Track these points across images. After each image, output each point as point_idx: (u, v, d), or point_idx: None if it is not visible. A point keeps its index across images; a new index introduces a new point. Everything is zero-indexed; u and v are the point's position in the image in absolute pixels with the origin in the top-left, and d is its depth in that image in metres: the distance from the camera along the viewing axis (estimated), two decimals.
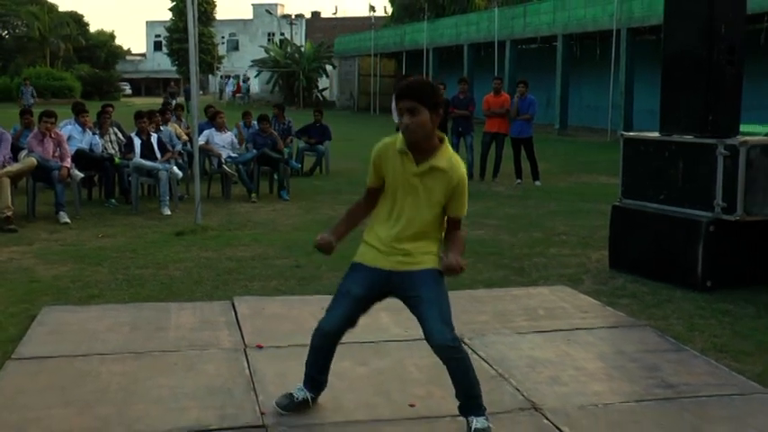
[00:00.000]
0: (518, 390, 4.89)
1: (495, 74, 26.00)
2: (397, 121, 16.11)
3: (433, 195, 4.18)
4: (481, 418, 4.24)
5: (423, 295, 4.19)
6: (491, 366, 5.28)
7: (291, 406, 4.52)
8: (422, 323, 4.21)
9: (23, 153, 11.14)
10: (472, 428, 4.20)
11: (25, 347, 5.51)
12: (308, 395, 4.56)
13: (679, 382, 5.05)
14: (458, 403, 4.34)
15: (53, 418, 4.34)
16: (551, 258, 8.80)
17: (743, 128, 7.84)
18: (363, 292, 4.36)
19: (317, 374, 4.59)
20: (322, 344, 4.52)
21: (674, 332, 6.14)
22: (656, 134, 8.04)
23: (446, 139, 4.29)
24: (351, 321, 4.46)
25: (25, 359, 5.30)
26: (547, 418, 4.48)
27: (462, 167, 4.23)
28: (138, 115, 12.71)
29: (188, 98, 29.11)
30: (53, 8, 77.08)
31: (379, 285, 4.34)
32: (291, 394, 4.56)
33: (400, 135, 4.19)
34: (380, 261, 4.30)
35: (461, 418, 4.44)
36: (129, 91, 78.33)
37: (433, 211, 4.22)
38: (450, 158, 4.19)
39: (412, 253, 4.23)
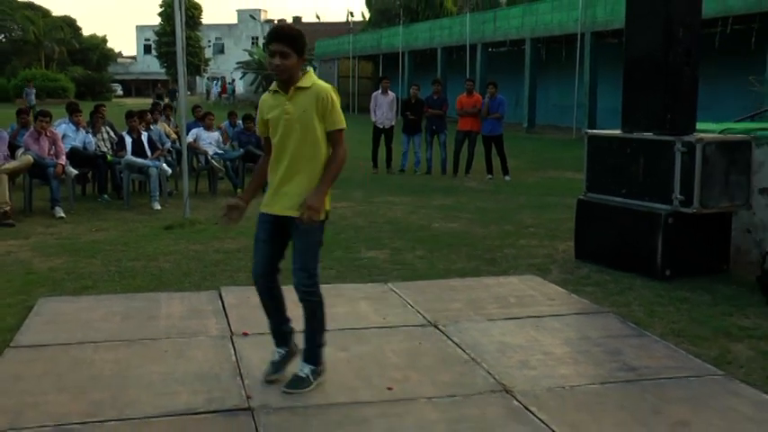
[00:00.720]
0: (490, 373, 4.89)
1: (467, 76, 26.04)
2: (374, 119, 16.06)
3: (306, 116, 4.37)
4: (308, 368, 4.57)
5: (295, 243, 4.49)
6: (464, 351, 5.28)
7: (274, 370, 4.69)
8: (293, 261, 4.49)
9: (20, 151, 11.06)
10: (297, 372, 4.56)
11: (23, 336, 5.47)
12: (281, 352, 4.72)
13: (640, 366, 5.07)
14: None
15: (49, 404, 4.31)
16: (521, 249, 8.82)
17: (699, 126, 7.88)
18: (267, 236, 4.57)
19: (277, 325, 4.75)
20: (260, 289, 4.67)
21: (636, 318, 6.17)
22: (618, 132, 8.07)
23: (310, 69, 4.60)
24: (272, 262, 4.62)
25: (23, 347, 5.26)
26: (517, 400, 4.49)
27: (326, 85, 4.46)
28: (129, 115, 12.66)
29: (172, 99, 28.98)
30: (47, 13, 76.63)
31: (276, 227, 4.53)
32: (270, 361, 4.73)
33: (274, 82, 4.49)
34: (271, 206, 4.51)
35: (437, 400, 4.48)
36: (120, 92, 77.98)
37: (307, 132, 4.38)
38: (313, 80, 4.45)
39: (291, 196, 4.41)
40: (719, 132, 7.83)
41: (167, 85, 44.07)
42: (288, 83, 4.41)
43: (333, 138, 4.47)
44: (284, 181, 4.45)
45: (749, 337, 5.75)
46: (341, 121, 4.46)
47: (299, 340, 4.71)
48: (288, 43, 4.34)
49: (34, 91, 38.56)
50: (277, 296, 4.70)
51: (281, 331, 4.75)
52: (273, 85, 4.53)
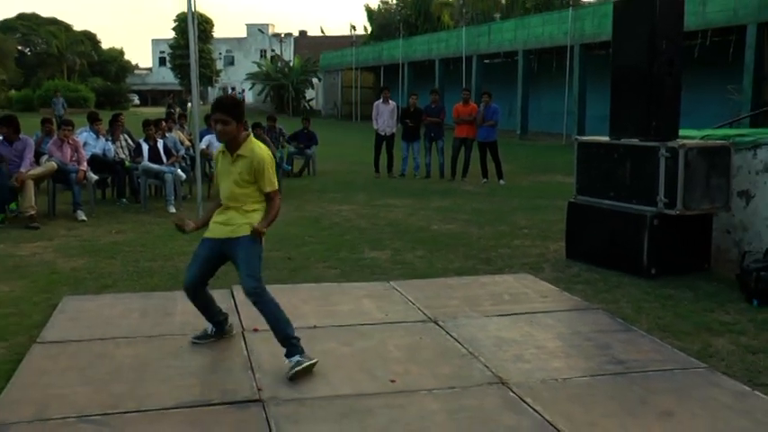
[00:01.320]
0: (487, 366, 4.90)
1: (464, 85, 26.06)
2: (375, 127, 16.08)
3: (241, 175, 4.86)
4: (295, 357, 4.75)
5: (239, 255, 4.87)
6: (462, 346, 5.28)
7: (204, 337, 5.32)
8: (239, 276, 4.92)
9: (45, 158, 11.06)
10: (288, 368, 4.70)
11: (48, 332, 5.48)
12: (214, 329, 5.37)
13: (628, 359, 5.08)
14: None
15: (73, 396, 4.32)
16: (515, 249, 8.82)
17: (681, 132, 7.88)
18: (207, 252, 5.04)
19: (211, 318, 5.33)
20: (191, 296, 5.16)
21: (624, 314, 6.17)
22: (606, 138, 8.06)
23: (251, 134, 5.05)
24: (202, 276, 5.12)
25: (48, 343, 5.27)
26: (512, 391, 4.49)
27: (263, 153, 4.91)
28: (146, 123, 12.67)
29: (183, 108, 28.95)
30: (69, 27, 76.91)
31: (216, 249, 5.00)
32: (205, 329, 5.37)
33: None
34: (216, 233, 5.00)
35: (437, 391, 4.49)
36: (137, 101, 77.92)
37: (242, 187, 4.88)
38: (252, 148, 4.89)
39: (232, 225, 4.91)
40: (700, 138, 7.83)
41: (180, 95, 43.89)
42: (230, 145, 4.91)
43: (267, 197, 4.98)
44: (226, 215, 4.97)
45: (729, 331, 5.75)
46: (272, 184, 4.94)
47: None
48: (226, 112, 4.82)
49: (62, 100, 37.86)
50: (207, 298, 5.29)
51: (217, 321, 5.36)
52: (221, 146, 5.03)
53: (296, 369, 4.64)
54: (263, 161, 4.86)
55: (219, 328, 5.36)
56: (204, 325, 5.37)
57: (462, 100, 16.60)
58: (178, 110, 28.38)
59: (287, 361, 4.73)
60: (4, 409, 4.15)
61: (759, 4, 22.28)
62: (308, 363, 4.71)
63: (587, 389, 4.58)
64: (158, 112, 35.71)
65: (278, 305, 4.89)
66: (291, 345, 4.79)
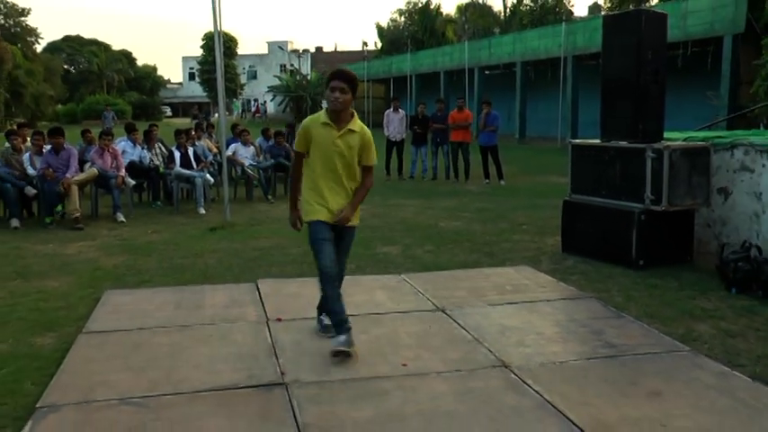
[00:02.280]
0: (490, 351, 4.89)
1: (467, 95, 26.03)
2: (386, 133, 16.12)
3: (352, 150, 4.68)
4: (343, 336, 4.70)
5: (344, 242, 4.94)
6: (468, 332, 5.28)
7: (324, 329, 5.12)
8: (339, 259, 4.89)
9: (88, 165, 11.14)
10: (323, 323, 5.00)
11: (92, 324, 5.51)
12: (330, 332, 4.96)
13: (619, 343, 5.06)
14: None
15: (115, 380, 4.34)
16: (515, 244, 8.80)
17: (666, 134, 7.84)
18: (329, 235, 4.78)
19: (341, 311, 4.77)
20: (333, 278, 4.81)
21: (615, 302, 6.15)
22: (597, 141, 8.04)
23: (356, 113, 4.82)
24: (335, 257, 4.83)
25: (92, 333, 5.30)
26: (514, 374, 4.49)
27: (367, 130, 4.77)
28: (178, 133, 12.72)
29: (206, 118, 29.04)
30: (108, 47, 77.43)
31: (331, 230, 4.80)
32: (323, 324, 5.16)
33: (322, 113, 4.71)
34: (328, 218, 4.75)
35: (445, 374, 4.49)
36: (169, 113, 78.17)
37: (349, 161, 4.70)
38: (362, 125, 4.75)
39: (336, 209, 4.75)
40: (683, 140, 7.79)
41: (203, 107, 43.92)
42: (339, 117, 4.65)
43: (366, 169, 4.84)
44: (330, 197, 4.73)
45: (711, 317, 5.73)
46: (374, 158, 4.82)
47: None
48: (347, 82, 4.62)
49: (112, 114, 37.44)
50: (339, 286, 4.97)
51: (340, 319, 4.79)
52: (322, 117, 4.68)
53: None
54: (370, 137, 4.80)
55: (341, 329, 4.77)
56: None
57: (457, 107, 16.61)
58: (210, 118, 28.52)
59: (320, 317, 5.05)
60: (55, 392, 4.18)
61: (734, 19, 22.29)
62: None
63: (582, 371, 4.57)
64: (188, 122, 35.81)
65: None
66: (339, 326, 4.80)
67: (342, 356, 4.66)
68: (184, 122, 42.92)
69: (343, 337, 4.70)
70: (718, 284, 6.64)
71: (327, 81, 4.68)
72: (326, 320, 5.05)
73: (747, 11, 21.77)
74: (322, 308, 5.21)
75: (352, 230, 4.95)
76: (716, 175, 7.57)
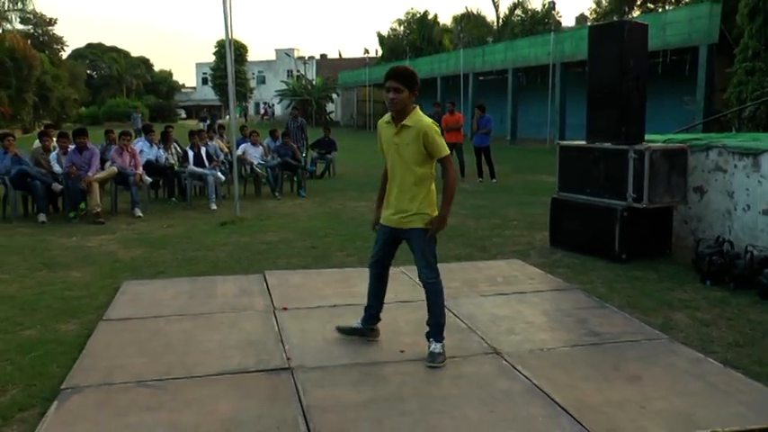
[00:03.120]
0: (483, 339, 4.89)
1: (461, 99, 26.00)
2: None
3: (408, 148, 4.28)
4: (438, 345, 4.46)
5: (414, 245, 4.47)
6: (462, 321, 5.28)
7: (348, 332, 4.87)
8: (415, 262, 4.51)
9: (108, 164, 11.14)
10: (429, 349, 4.45)
11: (112, 312, 5.51)
12: (359, 326, 4.85)
13: (603, 332, 5.06)
14: (426, 330, 4.56)
15: (133, 365, 4.34)
16: (506, 238, 8.80)
17: (647, 137, 7.84)
18: (384, 238, 4.61)
19: (371, 306, 4.81)
20: (372, 272, 4.79)
21: (599, 293, 6.15)
22: (583, 142, 8.03)
23: (417, 107, 4.35)
24: (384, 257, 4.72)
25: (112, 320, 5.30)
26: (505, 360, 4.49)
27: (426, 121, 4.28)
28: (192, 134, 12.73)
29: (213, 120, 29.01)
30: (128, 54, 77.50)
31: (391, 236, 4.57)
32: (351, 325, 4.89)
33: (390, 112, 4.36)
34: (387, 221, 4.54)
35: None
36: (184, 115, 78.13)
37: (412, 165, 4.30)
38: (417, 118, 4.28)
39: (407, 213, 4.40)
40: (663, 142, 7.79)
41: (211, 109, 43.66)
42: (399, 115, 4.30)
43: (442, 164, 4.38)
44: (399, 201, 4.41)
45: (687, 307, 5.73)
46: (443, 148, 4.31)
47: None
48: (401, 80, 4.24)
49: (140, 116, 37.14)
50: (384, 284, 4.84)
51: (371, 314, 4.84)
52: (387, 116, 4.41)
53: (440, 358, 4.37)
54: (428, 127, 4.25)
55: (368, 323, 4.82)
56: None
57: (448, 111, 16.58)
58: (216, 121, 28.49)
59: (431, 344, 4.46)
60: (77, 375, 4.19)
61: (708, 30, 22.38)
62: (444, 357, 4.41)
63: (568, 357, 4.57)
64: (197, 124, 35.81)
65: (443, 293, 4.53)
66: (438, 332, 4.49)
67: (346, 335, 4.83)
68: (199, 124, 42.90)
69: (354, 322, 4.87)
70: (694, 277, 6.64)
71: (383, 81, 4.35)
72: (436, 348, 4.50)
73: (721, 23, 21.84)
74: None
75: (416, 233, 4.39)
76: (692, 174, 7.57)
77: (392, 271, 6.83)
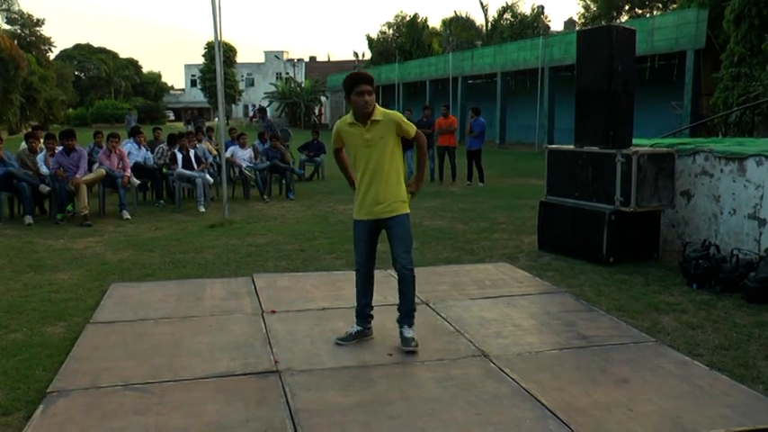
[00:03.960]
0: (471, 342, 4.90)
1: (450, 103, 26.06)
2: None
3: (383, 140, 4.60)
4: (411, 330, 4.73)
5: (395, 233, 4.71)
6: (450, 324, 5.29)
7: (349, 338, 4.87)
8: (391, 249, 4.75)
9: (96, 166, 11.08)
10: (403, 335, 4.72)
11: (99, 314, 5.49)
12: (358, 328, 4.92)
13: (590, 335, 5.08)
14: (397, 316, 4.80)
15: (120, 368, 4.33)
16: (494, 242, 8.82)
17: (634, 141, 7.89)
18: (365, 235, 4.82)
19: (363, 308, 4.94)
20: (363, 275, 4.93)
21: (586, 297, 6.18)
22: (571, 146, 8.06)
23: (377, 104, 4.69)
24: (370, 257, 4.90)
25: (99, 323, 5.28)
26: (493, 363, 4.50)
27: (392, 111, 4.73)
28: (180, 136, 12.70)
29: (196, 124, 28.90)
30: (116, 55, 77.04)
31: (373, 229, 4.80)
32: (347, 331, 4.93)
33: (348, 115, 4.72)
34: (367, 215, 4.77)
35: (428, 363, 4.48)
36: (172, 117, 77.81)
37: (388, 157, 4.63)
38: (383, 112, 4.64)
39: (388, 202, 4.69)
40: (650, 146, 7.83)
41: (195, 112, 43.15)
42: (367, 115, 4.59)
43: (415, 138, 4.77)
44: (377, 193, 4.69)
45: (674, 310, 5.76)
46: (412, 127, 4.72)
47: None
48: (371, 83, 4.60)
49: (134, 117, 36.80)
50: (371, 285, 4.97)
51: (363, 313, 4.96)
52: (348, 118, 4.70)
53: (413, 343, 4.66)
54: (397, 115, 4.70)
55: (365, 323, 4.95)
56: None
57: (443, 114, 16.61)
58: (200, 123, 28.33)
59: (405, 329, 4.73)
60: (64, 378, 4.17)
61: (695, 35, 22.56)
62: (416, 340, 4.70)
63: (556, 360, 4.59)
64: (183, 126, 35.59)
65: (415, 281, 4.79)
66: (411, 317, 4.78)
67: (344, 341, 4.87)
68: (183, 126, 42.73)
69: (351, 329, 4.94)
70: (681, 280, 6.68)
71: (350, 86, 4.58)
72: (407, 333, 4.76)
73: (708, 28, 22.02)
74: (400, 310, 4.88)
75: (398, 219, 4.70)
76: (680, 178, 7.62)
77: (381, 274, 6.88)
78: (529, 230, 9.23)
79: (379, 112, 4.64)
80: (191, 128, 27.06)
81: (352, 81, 4.59)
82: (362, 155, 4.67)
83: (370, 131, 4.61)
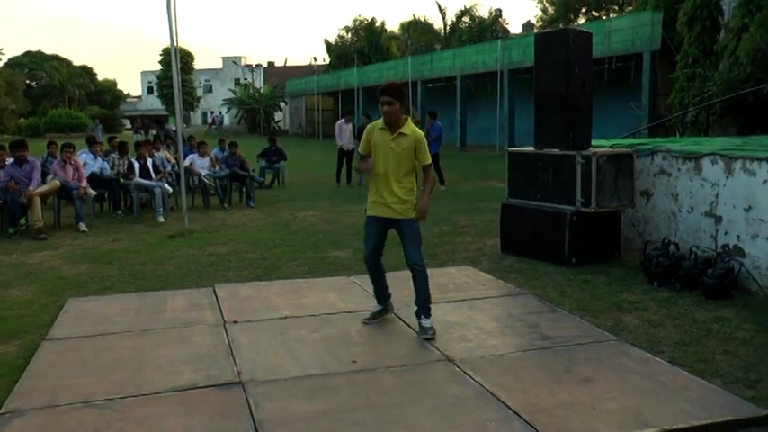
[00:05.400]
0: (435, 346, 4.93)
1: (410, 107, 26.17)
2: (339, 143, 16.07)
3: (404, 152, 5.05)
4: (428, 320, 5.19)
5: (405, 233, 5.16)
6: (413, 329, 5.30)
7: (374, 317, 5.48)
8: (403, 248, 5.20)
9: (50, 177, 10.88)
10: (421, 325, 5.19)
11: (55, 330, 5.39)
12: (380, 307, 5.53)
13: (554, 335, 5.15)
14: (415, 309, 5.28)
15: (79, 385, 4.25)
16: (457, 245, 8.87)
17: (594, 142, 8.00)
18: (376, 230, 5.24)
19: (380, 291, 5.50)
20: (369, 267, 5.38)
21: (550, 298, 6.25)
22: (531, 149, 8.15)
23: (410, 118, 5.18)
24: (377, 249, 5.30)
25: (56, 340, 5.18)
26: (458, 366, 4.53)
27: (419, 132, 5.13)
28: (138, 145, 12.54)
29: (146, 132, 28.57)
30: (69, 63, 75.63)
31: (384, 226, 5.23)
32: (371, 311, 5.52)
33: (380, 120, 5.12)
34: (381, 212, 5.18)
35: (393, 369, 4.50)
36: (129, 126, 76.88)
37: (403, 161, 5.06)
38: (413, 129, 5.10)
39: (398, 206, 5.10)
40: (609, 147, 7.96)
41: (144, 120, 42.11)
42: (392, 124, 5.05)
43: (425, 168, 5.21)
44: (391, 195, 5.10)
45: (636, 309, 5.87)
46: (429, 157, 5.18)
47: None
48: (392, 95, 4.98)
49: (100, 126, 35.58)
50: (382, 273, 5.44)
51: (382, 295, 5.53)
52: (379, 123, 5.14)
53: (431, 332, 5.10)
54: (422, 138, 5.11)
55: (384, 301, 5.53)
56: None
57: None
58: (150, 132, 27.88)
59: (423, 320, 5.19)
60: (19, 398, 4.08)
61: (651, 37, 23.06)
62: (434, 329, 5.15)
63: (520, 362, 4.64)
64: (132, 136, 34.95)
65: (428, 276, 5.24)
66: (426, 309, 5.21)
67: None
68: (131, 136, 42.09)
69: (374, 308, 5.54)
70: (643, 279, 6.80)
71: (378, 96, 5.08)
72: (425, 323, 5.22)
73: (662, 30, 22.49)
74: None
75: (408, 222, 5.13)
76: (639, 178, 7.76)
77: (344, 281, 6.91)
78: (491, 233, 9.31)
79: (410, 128, 5.09)
80: (139, 137, 26.66)
81: (379, 91, 5.09)
82: (384, 157, 5.11)
83: (395, 141, 5.07)
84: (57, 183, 10.52)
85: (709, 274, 6.20)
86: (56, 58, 74.78)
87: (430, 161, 5.21)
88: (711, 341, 5.03)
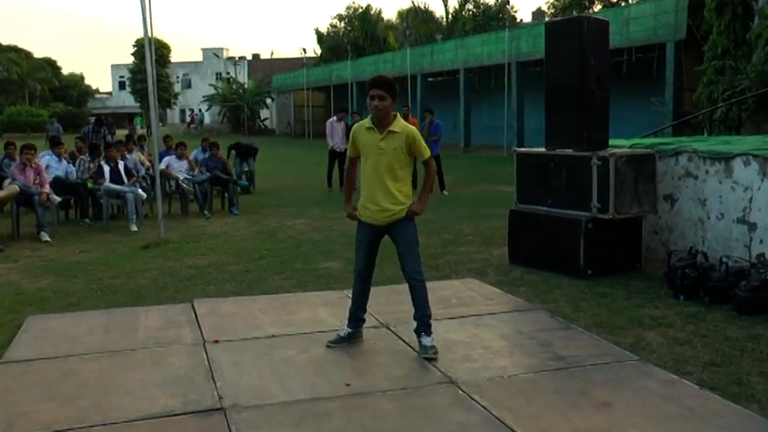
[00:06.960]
0: (436, 367, 4.91)
1: (409, 103, 26.23)
2: (330, 143, 16.11)
3: (396, 152, 4.98)
4: (429, 338, 5.13)
5: (400, 240, 5.13)
6: (413, 349, 5.28)
7: (340, 340, 5.33)
8: (399, 257, 5.19)
9: (7, 181, 10.85)
10: (421, 343, 5.12)
11: (12, 352, 5.35)
12: (349, 330, 5.38)
13: (568, 355, 5.13)
14: (415, 325, 5.23)
15: (39, 412, 4.21)
16: (461, 256, 8.86)
17: (611, 142, 8.01)
18: (368, 238, 5.22)
19: (356, 311, 5.39)
20: (360, 279, 5.36)
21: (563, 313, 6.24)
22: (542, 149, 8.16)
23: (399, 114, 5.16)
24: (369, 260, 5.31)
25: (12, 362, 5.14)
26: (461, 390, 4.51)
27: (412, 127, 5.11)
28: (108, 146, 12.53)
29: (109, 131, 28.44)
30: (30, 54, 75.32)
31: (376, 233, 5.20)
32: (337, 334, 5.39)
33: (367, 119, 5.10)
34: (372, 219, 5.12)
35: (390, 393, 4.48)
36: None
37: (398, 165, 5.01)
38: (403, 125, 5.06)
39: (391, 209, 5.05)
40: (629, 147, 7.97)
41: (105, 118, 41.83)
42: (382, 121, 5.02)
43: (425, 163, 5.21)
44: (383, 198, 5.05)
45: (659, 325, 5.85)
46: (427, 151, 5.15)
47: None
48: (384, 88, 4.95)
49: (57, 126, 35.33)
50: (367, 291, 5.42)
51: (356, 317, 5.42)
52: (366, 122, 5.10)
53: (432, 351, 5.05)
54: (415, 133, 5.08)
55: (357, 326, 5.42)
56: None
57: (402, 116, 16.60)
58: (113, 132, 27.61)
59: (423, 338, 5.13)
60: None
61: (675, 25, 22.95)
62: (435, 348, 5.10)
63: (531, 384, 4.62)
64: (118, 134, 34.95)
65: (426, 287, 5.22)
66: (426, 325, 5.16)
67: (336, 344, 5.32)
68: (116, 134, 42.10)
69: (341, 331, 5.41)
70: (667, 292, 6.79)
71: (368, 88, 5.03)
72: (426, 341, 5.17)
73: (688, 17, 22.41)
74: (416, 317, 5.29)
75: (404, 226, 5.11)
76: (661, 181, 7.75)
77: (336, 295, 6.90)
78: (498, 242, 9.30)
79: (399, 124, 5.05)
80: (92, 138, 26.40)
81: (369, 83, 5.05)
82: (373, 159, 5.06)
83: (384, 140, 5.01)
84: (15, 188, 10.48)
85: (741, 287, 6.18)
86: (13, 49, 74.26)
87: (429, 154, 5.19)
88: (746, 361, 5.01)
